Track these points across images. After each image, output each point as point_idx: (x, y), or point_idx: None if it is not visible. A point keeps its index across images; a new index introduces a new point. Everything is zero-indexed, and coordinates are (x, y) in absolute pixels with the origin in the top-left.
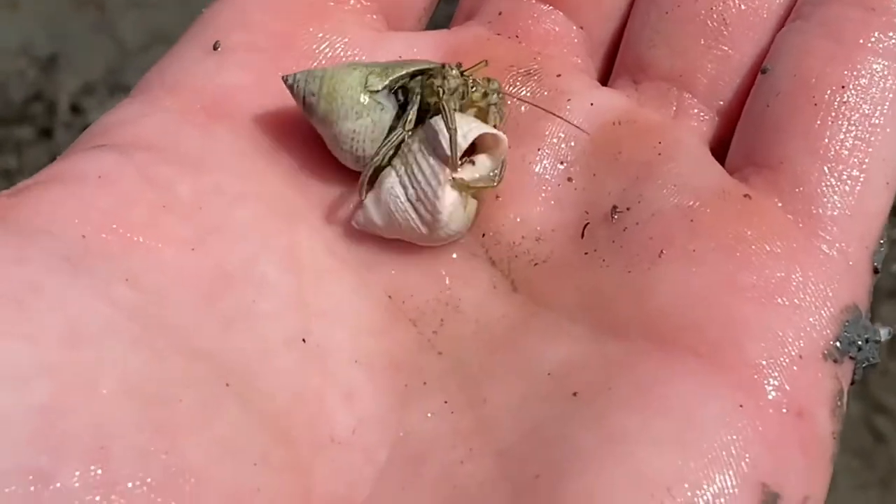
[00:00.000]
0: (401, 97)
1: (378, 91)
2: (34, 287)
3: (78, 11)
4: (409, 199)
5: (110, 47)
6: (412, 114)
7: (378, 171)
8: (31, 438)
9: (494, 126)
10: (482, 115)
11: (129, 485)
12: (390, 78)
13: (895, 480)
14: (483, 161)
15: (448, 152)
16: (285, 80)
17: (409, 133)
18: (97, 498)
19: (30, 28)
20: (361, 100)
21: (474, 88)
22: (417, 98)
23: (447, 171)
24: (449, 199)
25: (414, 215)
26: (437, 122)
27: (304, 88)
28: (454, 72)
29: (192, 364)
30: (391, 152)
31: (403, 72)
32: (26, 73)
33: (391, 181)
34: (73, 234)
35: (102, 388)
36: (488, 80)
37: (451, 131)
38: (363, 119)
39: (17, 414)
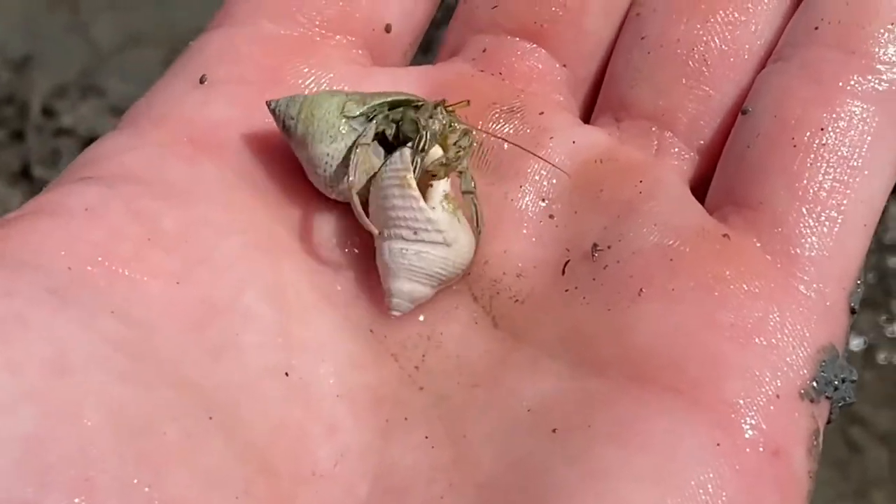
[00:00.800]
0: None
1: (355, 117)
2: (19, 319)
3: (52, 13)
4: (410, 240)
5: (84, 49)
6: (371, 129)
7: (364, 195)
8: (15, 468)
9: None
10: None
11: None
12: (367, 105)
13: (870, 491)
14: (437, 184)
15: (406, 166)
16: (269, 104)
17: (368, 145)
18: None
19: (2, 29)
20: (337, 124)
21: (451, 130)
22: (392, 127)
23: (413, 186)
24: (431, 206)
25: (427, 247)
26: (388, 167)
27: (284, 112)
28: (440, 115)
29: (177, 396)
30: (362, 173)
31: (381, 101)
32: None
33: (385, 247)
34: (60, 267)
35: (87, 419)
36: (465, 131)
37: (417, 158)
38: (337, 143)
39: (1, 443)
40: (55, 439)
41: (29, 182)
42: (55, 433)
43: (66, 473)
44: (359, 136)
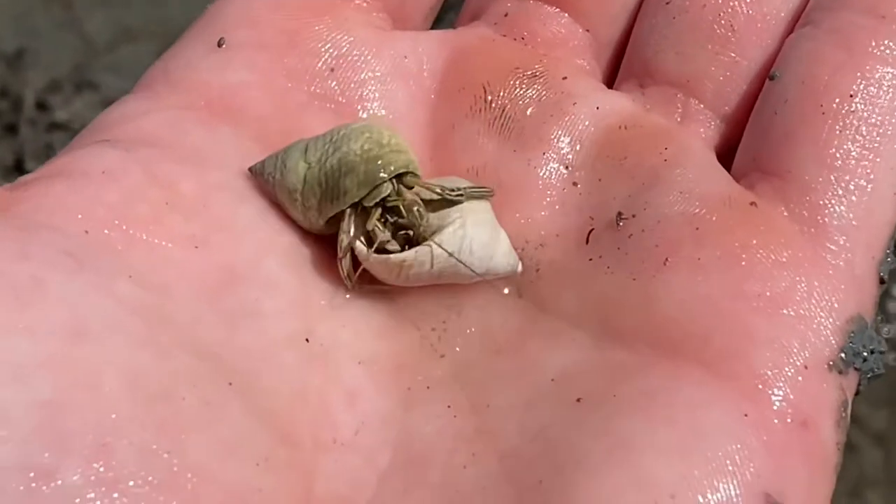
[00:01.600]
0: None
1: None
2: (36, 282)
3: (45, 8)
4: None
5: (77, 44)
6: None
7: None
8: (32, 434)
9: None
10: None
11: (131, 483)
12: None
13: (865, 491)
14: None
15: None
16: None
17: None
18: (98, 495)
19: None
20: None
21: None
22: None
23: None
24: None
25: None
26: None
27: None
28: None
29: (196, 362)
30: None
31: (337, 210)
32: None
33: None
34: (77, 230)
35: (105, 385)
36: (420, 213)
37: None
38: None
39: (19, 409)
40: (74, 405)
41: (22, 176)
42: (74, 399)
43: (84, 439)
44: (349, 240)
